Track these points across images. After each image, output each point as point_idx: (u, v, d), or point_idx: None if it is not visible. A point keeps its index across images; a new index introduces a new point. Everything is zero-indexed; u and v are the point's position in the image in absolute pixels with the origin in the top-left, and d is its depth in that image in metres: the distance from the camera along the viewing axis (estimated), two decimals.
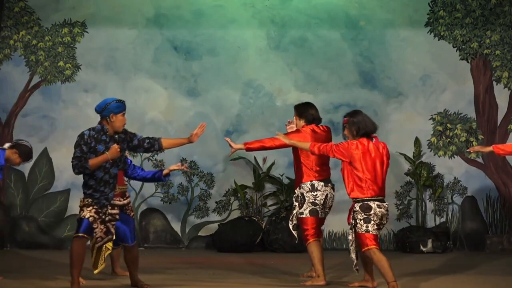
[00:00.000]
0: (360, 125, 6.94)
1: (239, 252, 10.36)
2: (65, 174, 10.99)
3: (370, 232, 6.75)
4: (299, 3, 11.37)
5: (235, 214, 11.10)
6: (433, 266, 8.94)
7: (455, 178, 11.10)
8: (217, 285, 7.51)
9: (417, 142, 11.06)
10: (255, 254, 10.36)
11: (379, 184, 6.84)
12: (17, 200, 11.06)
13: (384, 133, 11.16)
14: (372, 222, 6.76)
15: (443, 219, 11.05)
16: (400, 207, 11.08)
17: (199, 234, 11.16)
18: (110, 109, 6.93)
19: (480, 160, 11.07)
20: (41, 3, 11.28)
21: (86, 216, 6.83)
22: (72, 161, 6.83)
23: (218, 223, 10.97)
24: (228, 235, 10.60)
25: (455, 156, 11.15)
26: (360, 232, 6.77)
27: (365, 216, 6.77)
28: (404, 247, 10.60)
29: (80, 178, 6.98)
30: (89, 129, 6.92)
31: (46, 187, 11.11)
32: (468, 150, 7.42)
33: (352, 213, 6.91)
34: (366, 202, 6.79)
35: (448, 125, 11.16)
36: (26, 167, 10.91)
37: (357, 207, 6.83)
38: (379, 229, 6.81)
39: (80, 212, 6.90)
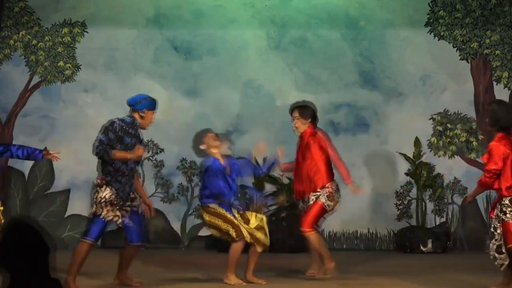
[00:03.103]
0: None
1: None
2: (65, 174, 10.99)
3: None
4: (299, 3, 11.37)
5: None
6: (433, 266, 8.94)
7: (455, 178, 11.10)
8: (217, 285, 7.51)
9: (417, 142, 11.04)
10: None
11: None
12: (17, 200, 11.07)
13: (384, 133, 11.19)
14: None
15: (443, 219, 11.04)
16: (400, 207, 11.07)
17: (199, 234, 11.14)
18: (145, 104, 6.95)
19: (480, 160, 11.07)
20: (41, 3, 11.28)
21: (107, 218, 6.73)
22: (95, 143, 6.81)
23: None
24: None
25: (455, 156, 11.16)
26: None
27: None
28: (404, 247, 10.59)
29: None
30: (119, 119, 6.91)
31: (46, 187, 11.10)
32: None
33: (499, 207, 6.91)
34: None
35: (448, 125, 11.16)
36: (26, 167, 10.91)
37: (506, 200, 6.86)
38: None
39: (97, 205, 6.76)
